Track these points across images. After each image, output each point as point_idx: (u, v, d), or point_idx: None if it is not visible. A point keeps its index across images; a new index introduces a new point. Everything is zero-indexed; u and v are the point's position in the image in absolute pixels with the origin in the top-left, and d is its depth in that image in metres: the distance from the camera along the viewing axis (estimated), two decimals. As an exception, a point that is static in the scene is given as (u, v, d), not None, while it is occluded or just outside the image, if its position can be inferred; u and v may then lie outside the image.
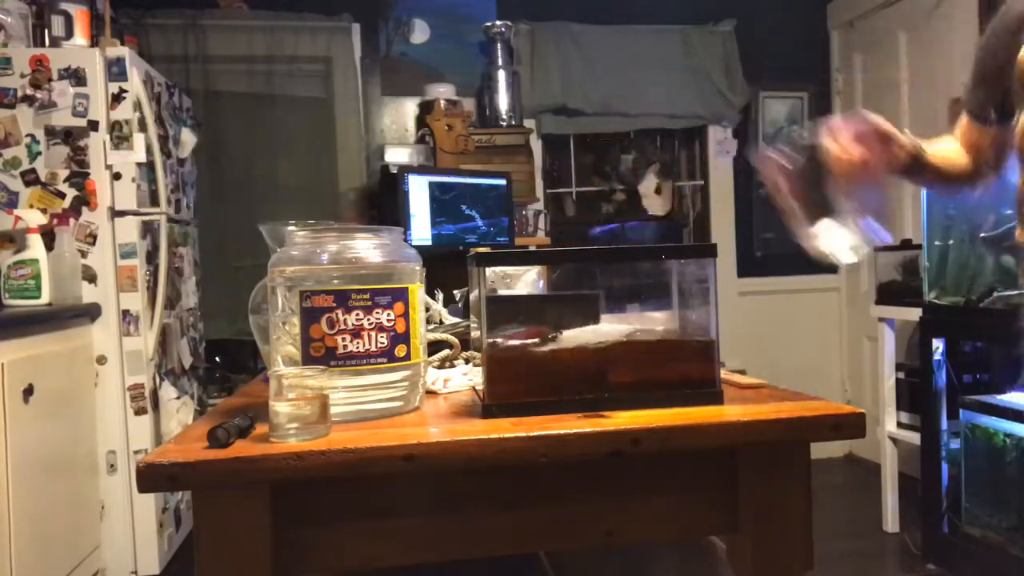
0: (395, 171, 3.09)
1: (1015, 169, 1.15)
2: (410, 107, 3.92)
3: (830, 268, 4.29)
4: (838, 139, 1.11)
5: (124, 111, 2.72)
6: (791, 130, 1.14)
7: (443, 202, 3.06)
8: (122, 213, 2.73)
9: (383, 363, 1.05)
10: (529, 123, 3.90)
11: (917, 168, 1.20)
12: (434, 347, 1.44)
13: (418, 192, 3.00)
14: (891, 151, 1.15)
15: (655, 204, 4.26)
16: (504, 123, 3.70)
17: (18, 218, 2.58)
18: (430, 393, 1.23)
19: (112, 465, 2.72)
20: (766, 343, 4.09)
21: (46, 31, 2.75)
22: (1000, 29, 1.15)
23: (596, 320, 1.14)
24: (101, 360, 2.71)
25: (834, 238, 1.13)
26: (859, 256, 1.13)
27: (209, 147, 3.67)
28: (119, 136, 2.71)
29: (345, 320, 1.03)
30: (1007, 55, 1.11)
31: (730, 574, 1.09)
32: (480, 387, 1.10)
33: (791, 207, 1.14)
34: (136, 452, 2.73)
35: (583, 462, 0.98)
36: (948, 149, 1.29)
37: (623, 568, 1.78)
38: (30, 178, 2.67)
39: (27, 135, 2.66)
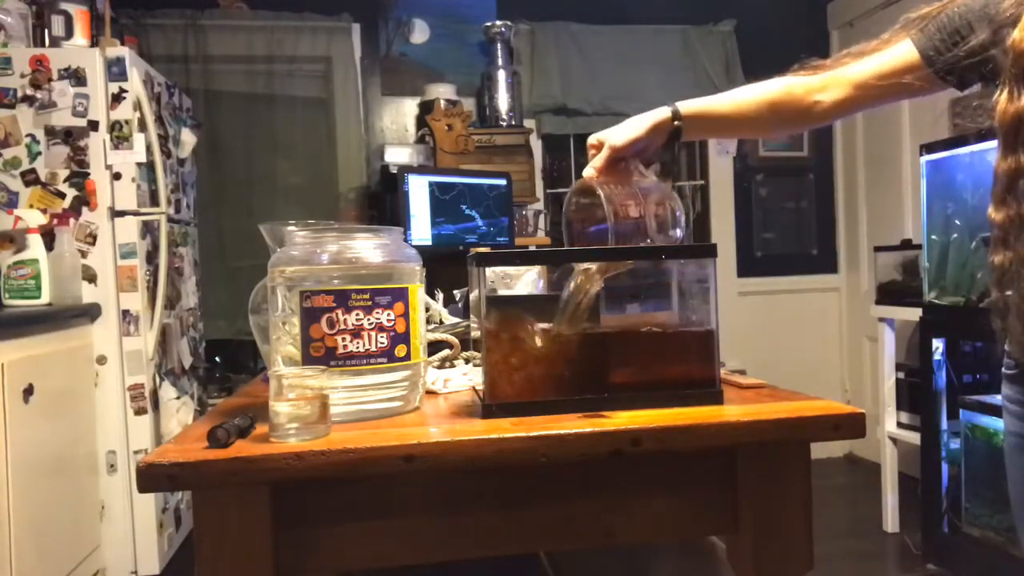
0: (395, 171, 3.09)
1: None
2: (410, 107, 3.92)
3: (830, 268, 4.30)
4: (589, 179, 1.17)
5: (124, 111, 2.72)
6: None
7: (443, 202, 3.06)
8: (122, 213, 2.73)
9: (383, 363, 1.05)
10: (529, 123, 3.90)
11: (685, 134, 1.20)
12: (434, 347, 1.44)
13: (418, 192, 3.00)
14: (643, 144, 1.18)
15: (655, 204, 4.25)
16: (504, 123, 3.70)
17: (18, 218, 2.57)
18: (430, 393, 1.23)
19: (112, 465, 2.72)
20: (766, 343, 4.09)
21: (46, 31, 2.75)
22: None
23: (596, 319, 1.14)
24: (101, 360, 2.71)
25: None
26: None
27: (209, 147, 3.67)
28: (119, 136, 2.71)
29: (345, 320, 1.03)
30: (995, 26, 1.06)
31: (730, 574, 1.09)
32: (480, 387, 1.10)
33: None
34: (136, 452, 2.73)
35: (583, 462, 0.98)
36: (750, 103, 1.22)
37: (623, 568, 1.78)
38: (30, 178, 2.67)
39: (27, 135, 2.66)
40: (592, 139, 1.23)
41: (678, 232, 1.17)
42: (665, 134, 1.20)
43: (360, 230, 1.12)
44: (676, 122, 1.20)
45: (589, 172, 1.19)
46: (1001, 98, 1.01)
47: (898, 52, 1.14)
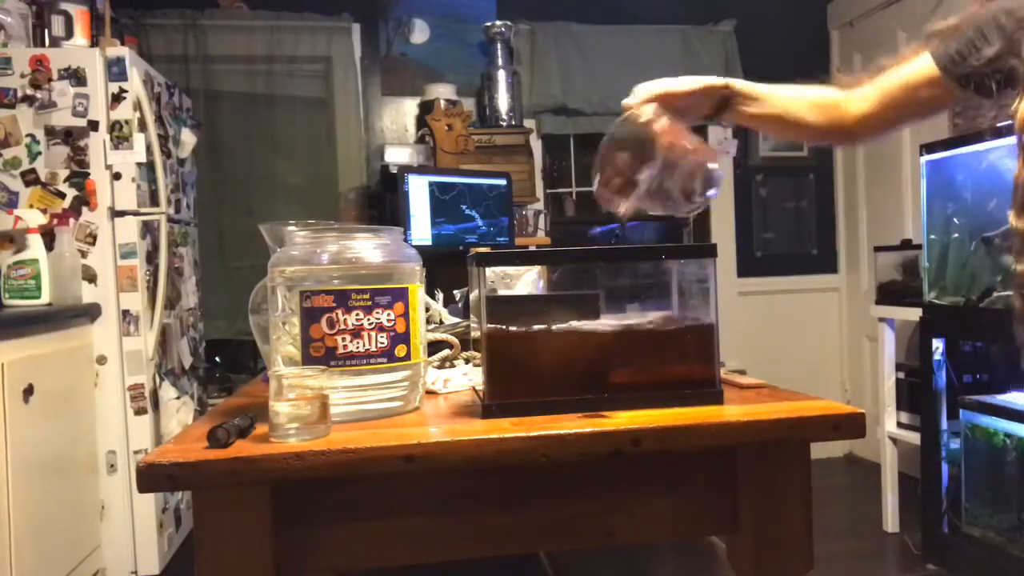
0: (395, 171, 3.09)
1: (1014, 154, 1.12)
2: (410, 107, 3.92)
3: (830, 268, 4.30)
4: (636, 107, 1.16)
5: (124, 111, 2.72)
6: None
7: (443, 202, 3.06)
8: (122, 213, 2.73)
9: (383, 363, 1.05)
10: (529, 123, 3.90)
11: (728, 115, 1.22)
12: (434, 347, 1.44)
13: (418, 192, 3.00)
14: (691, 102, 1.19)
15: (655, 204, 4.25)
16: (504, 123, 3.70)
17: (18, 218, 2.57)
18: (430, 393, 1.23)
19: (112, 465, 2.72)
20: (766, 343, 4.08)
21: (46, 31, 2.75)
22: (1016, 8, 1.10)
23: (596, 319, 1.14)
24: (101, 360, 2.71)
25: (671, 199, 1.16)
26: (686, 211, 1.19)
27: (209, 147, 3.67)
28: (119, 136, 2.71)
29: (345, 320, 1.03)
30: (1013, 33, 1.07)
31: (730, 574, 1.09)
32: (480, 387, 1.10)
33: (639, 191, 1.17)
34: (136, 452, 2.73)
35: (583, 462, 0.98)
36: (795, 99, 1.26)
37: (623, 568, 1.78)
38: (30, 178, 2.67)
39: (27, 135, 2.66)
40: (645, 92, 1.20)
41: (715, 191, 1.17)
42: (712, 101, 1.20)
43: (360, 230, 1.12)
44: (725, 89, 1.20)
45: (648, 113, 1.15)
46: (1020, 106, 1.02)
47: (918, 64, 1.16)
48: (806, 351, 4.21)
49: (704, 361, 1.08)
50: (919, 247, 2.96)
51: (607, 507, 1.03)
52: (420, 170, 3.21)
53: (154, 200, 2.89)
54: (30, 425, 2.26)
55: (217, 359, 3.81)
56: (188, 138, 3.31)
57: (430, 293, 1.60)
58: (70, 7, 2.75)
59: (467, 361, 1.47)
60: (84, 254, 2.69)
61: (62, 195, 2.68)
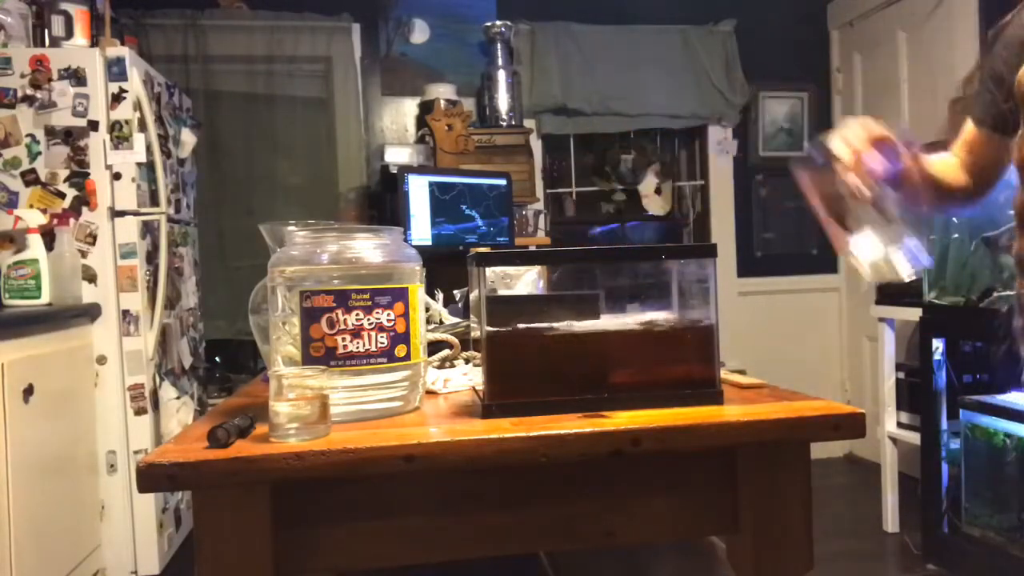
0: (395, 171, 3.09)
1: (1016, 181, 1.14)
2: (410, 107, 3.92)
3: (830, 268, 4.30)
4: (847, 143, 1.09)
5: (124, 111, 2.72)
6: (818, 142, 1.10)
7: (443, 202, 3.06)
8: (122, 213, 2.73)
9: (383, 363, 1.05)
10: (529, 123, 3.90)
11: (912, 174, 1.15)
12: (434, 347, 1.44)
13: (418, 192, 3.00)
14: (892, 153, 1.12)
15: (655, 204, 4.26)
16: (504, 123, 3.70)
17: (18, 218, 2.57)
18: (430, 393, 1.23)
19: (112, 465, 2.72)
20: (766, 343, 4.08)
21: (46, 31, 2.75)
22: (1010, 38, 1.13)
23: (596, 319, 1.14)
24: (101, 360, 2.71)
25: (863, 249, 1.09)
26: (883, 275, 1.09)
27: (209, 147, 3.67)
28: (119, 136, 2.71)
29: (345, 320, 1.03)
30: (1013, 66, 1.10)
31: (730, 574, 1.09)
32: (480, 387, 1.10)
33: (827, 220, 1.14)
34: (136, 452, 2.73)
35: (583, 462, 0.98)
36: (945, 162, 1.26)
37: (623, 568, 1.78)
38: (30, 178, 2.67)
39: (27, 135, 2.66)
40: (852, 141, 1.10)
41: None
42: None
43: (360, 230, 1.12)
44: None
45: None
46: (1021, 136, 1.05)
47: (966, 127, 1.24)
48: (806, 351, 4.21)
49: (704, 361, 1.08)
50: (919, 247, 2.95)
51: (607, 507, 1.03)
52: (420, 170, 3.21)
53: (154, 200, 2.89)
54: (30, 425, 2.27)
55: (217, 359, 3.81)
56: (188, 138, 3.31)
57: (430, 293, 1.60)
58: (70, 7, 2.75)
59: (467, 361, 1.47)
60: (84, 254, 2.69)
61: (62, 195, 2.68)
